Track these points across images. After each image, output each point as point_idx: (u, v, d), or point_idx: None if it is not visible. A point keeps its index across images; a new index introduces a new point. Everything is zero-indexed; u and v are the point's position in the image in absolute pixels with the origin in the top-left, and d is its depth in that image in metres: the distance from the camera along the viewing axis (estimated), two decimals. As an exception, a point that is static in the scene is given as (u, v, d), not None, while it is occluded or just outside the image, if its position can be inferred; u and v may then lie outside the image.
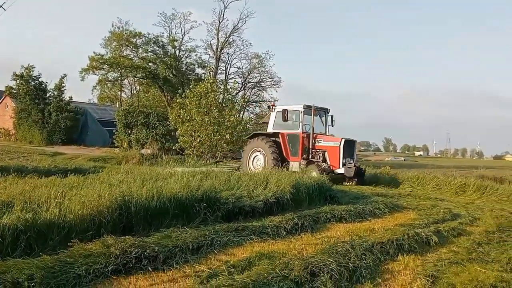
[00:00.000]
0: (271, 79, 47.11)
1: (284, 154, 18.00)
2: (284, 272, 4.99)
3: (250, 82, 47.05)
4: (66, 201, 6.54)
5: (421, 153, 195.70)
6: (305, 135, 17.66)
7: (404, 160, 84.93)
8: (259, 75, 47.21)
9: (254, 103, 48.80)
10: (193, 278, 4.93)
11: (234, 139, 22.39)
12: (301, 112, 17.74)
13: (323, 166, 16.74)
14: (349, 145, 17.19)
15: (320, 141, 17.57)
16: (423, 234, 7.57)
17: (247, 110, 47.07)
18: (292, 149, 17.94)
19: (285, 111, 17.56)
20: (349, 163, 16.43)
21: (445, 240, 7.79)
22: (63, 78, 44.63)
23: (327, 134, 18.53)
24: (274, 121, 18.76)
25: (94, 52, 34.14)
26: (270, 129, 18.90)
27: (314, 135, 17.57)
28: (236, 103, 26.06)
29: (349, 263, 5.57)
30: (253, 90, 47.87)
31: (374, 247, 6.52)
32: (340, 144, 16.80)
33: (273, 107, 19.04)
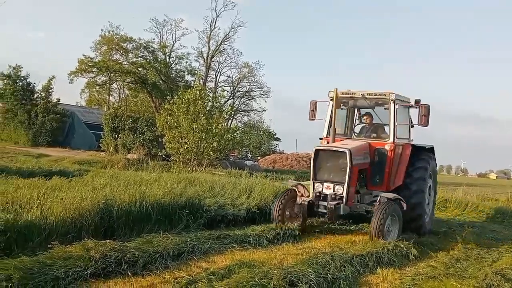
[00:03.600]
0: (260, 89, 47.29)
1: None
2: (263, 281, 5.01)
3: (239, 91, 47.20)
4: (48, 202, 6.53)
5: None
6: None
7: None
8: (248, 84, 47.41)
9: (242, 112, 48.97)
10: (172, 284, 4.95)
11: (221, 147, 22.35)
12: (328, 104, 10.48)
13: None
14: (328, 159, 9.10)
15: None
16: (402, 247, 7.64)
17: (235, 119, 47.13)
18: None
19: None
20: (318, 192, 8.77)
21: (424, 255, 7.89)
22: (51, 80, 44.13)
23: (409, 138, 10.64)
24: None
25: (83, 55, 34.03)
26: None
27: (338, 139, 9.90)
28: (224, 112, 26.04)
29: (328, 274, 5.62)
30: (242, 99, 48.00)
31: (354, 259, 6.58)
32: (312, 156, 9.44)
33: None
